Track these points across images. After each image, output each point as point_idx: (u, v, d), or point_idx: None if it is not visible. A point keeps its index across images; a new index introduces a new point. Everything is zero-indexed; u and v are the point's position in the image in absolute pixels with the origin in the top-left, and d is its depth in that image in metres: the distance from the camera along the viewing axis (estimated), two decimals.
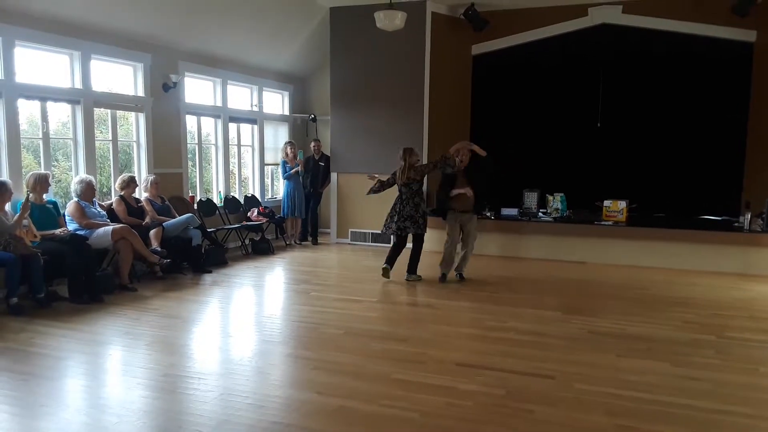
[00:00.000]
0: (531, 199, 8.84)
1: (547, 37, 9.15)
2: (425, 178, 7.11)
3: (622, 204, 8.23)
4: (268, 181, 10.44)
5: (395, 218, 6.86)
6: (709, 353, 4.45)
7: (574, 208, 8.79)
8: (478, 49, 9.58)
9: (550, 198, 8.76)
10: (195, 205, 8.27)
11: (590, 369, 4.08)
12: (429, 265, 7.25)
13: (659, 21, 8.52)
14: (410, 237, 7.02)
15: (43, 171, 6.17)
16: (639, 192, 8.78)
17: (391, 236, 7.24)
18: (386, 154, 8.22)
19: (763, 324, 5.27)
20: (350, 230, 9.63)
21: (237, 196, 9.34)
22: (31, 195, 5.83)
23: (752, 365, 4.22)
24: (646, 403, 3.51)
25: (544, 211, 8.81)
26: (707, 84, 8.66)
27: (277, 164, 10.18)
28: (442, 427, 3.21)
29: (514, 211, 8.74)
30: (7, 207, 5.62)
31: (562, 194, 8.73)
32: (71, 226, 6.18)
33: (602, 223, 8.20)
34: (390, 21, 7.17)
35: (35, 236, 5.70)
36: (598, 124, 9.07)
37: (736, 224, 7.90)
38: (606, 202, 8.32)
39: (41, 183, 5.93)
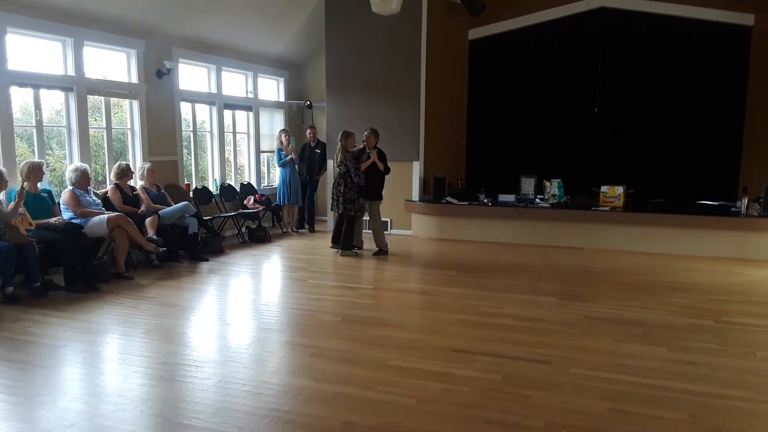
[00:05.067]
0: (528, 185, 8.83)
1: (544, 21, 9.11)
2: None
3: (620, 189, 8.22)
4: (264, 168, 10.40)
5: (340, 199, 7.46)
6: (706, 338, 4.46)
7: (572, 194, 8.78)
8: (474, 33, 9.53)
9: (548, 184, 8.75)
10: (191, 193, 8.24)
11: (587, 354, 4.09)
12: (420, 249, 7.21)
13: (657, 4, 8.48)
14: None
15: (36, 159, 6.12)
16: (636, 177, 8.78)
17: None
18: (383, 140, 8.17)
19: (761, 308, 5.29)
20: None
21: (233, 183, 9.30)
22: (25, 184, 5.79)
23: (749, 349, 4.23)
24: (642, 388, 3.51)
25: (542, 197, 8.80)
26: (705, 68, 8.64)
27: (273, 151, 10.15)
28: (438, 412, 3.21)
29: (511, 197, 8.73)
30: (2, 196, 5.60)
31: (559, 180, 8.71)
32: (66, 215, 6.15)
33: (599, 208, 8.20)
34: (386, 5, 7.08)
35: (30, 225, 5.68)
36: (596, 110, 9.05)
37: (733, 209, 7.91)
38: (603, 188, 8.30)
39: (35, 172, 5.89)
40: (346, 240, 7.63)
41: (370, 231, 7.85)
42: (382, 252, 7.68)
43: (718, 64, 8.57)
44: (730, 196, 8.37)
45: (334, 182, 7.60)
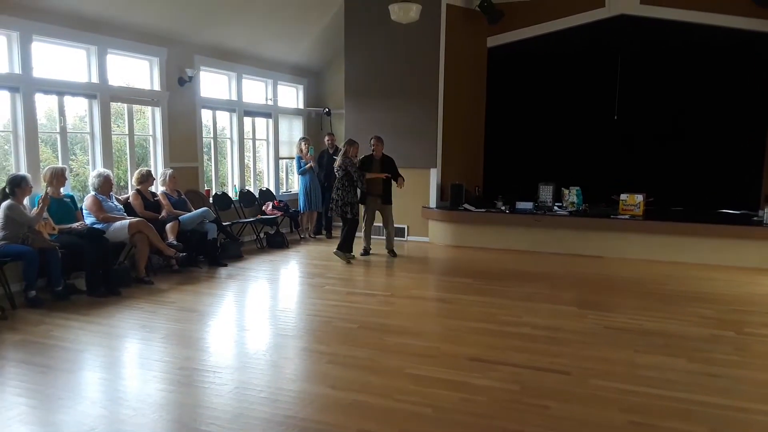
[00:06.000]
0: (546, 192, 8.77)
1: (563, 29, 9.05)
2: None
3: (639, 198, 8.14)
4: (282, 174, 10.47)
5: (338, 203, 7.61)
6: (727, 349, 4.39)
7: (591, 202, 8.71)
8: (493, 41, 9.51)
9: (566, 191, 8.69)
10: (210, 198, 8.32)
11: (606, 365, 4.04)
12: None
13: (678, 11, 8.39)
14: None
15: (59, 165, 6.23)
16: (656, 185, 8.68)
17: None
18: (401, 147, 8.20)
19: None
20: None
21: (252, 189, 9.37)
22: (48, 189, 5.89)
23: None
24: (662, 400, 3.47)
25: (560, 204, 8.74)
26: (726, 75, 8.53)
27: (292, 158, 10.22)
28: (455, 422, 3.20)
29: (529, 205, 8.68)
30: (26, 201, 5.70)
31: (578, 188, 8.65)
32: (88, 220, 6.24)
33: (619, 217, 8.11)
34: (404, 14, 7.14)
35: (53, 229, 5.78)
36: (615, 117, 8.97)
37: (755, 218, 7.79)
38: (623, 196, 8.23)
39: (58, 177, 5.99)
40: (343, 242, 7.68)
41: (383, 236, 8.22)
42: (392, 254, 7.98)
43: (740, 71, 8.45)
44: (752, 204, 8.25)
45: (333, 187, 7.70)
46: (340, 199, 7.53)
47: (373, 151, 7.84)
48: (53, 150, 6.72)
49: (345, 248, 7.68)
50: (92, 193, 6.36)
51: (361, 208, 8.01)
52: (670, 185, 8.83)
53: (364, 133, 9.08)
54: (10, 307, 5.29)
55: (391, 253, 8.01)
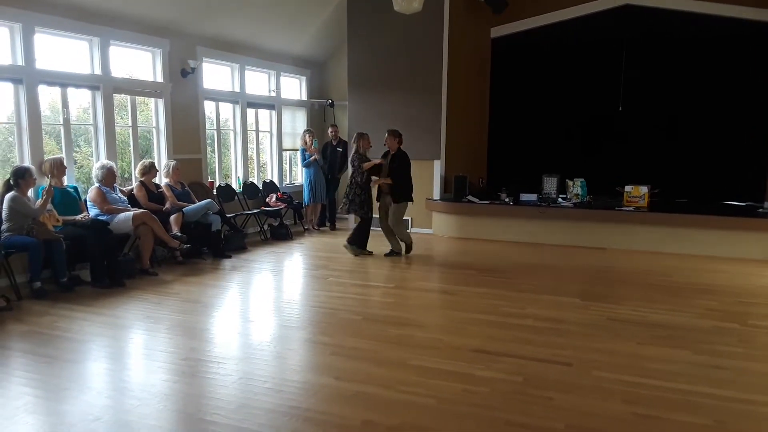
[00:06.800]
0: (550, 184, 8.75)
1: (567, 19, 9.01)
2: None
3: (644, 189, 8.11)
4: (286, 166, 10.46)
5: (344, 200, 7.53)
6: (732, 341, 4.38)
7: (595, 194, 8.69)
8: (497, 31, 9.47)
9: (570, 183, 8.67)
10: (214, 190, 8.33)
11: (609, 356, 4.04)
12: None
13: (684, 1, 8.34)
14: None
15: (58, 155, 6.23)
16: (661, 177, 8.65)
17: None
18: (404, 138, 8.17)
19: None
20: None
21: (255, 181, 9.37)
22: (52, 180, 5.90)
23: None
24: (666, 392, 3.47)
25: (564, 196, 8.72)
26: (732, 66, 8.48)
27: (296, 150, 10.21)
28: (458, 413, 3.21)
29: (533, 197, 8.66)
30: (30, 193, 5.71)
31: (582, 179, 8.63)
32: (93, 212, 6.26)
33: (623, 208, 8.09)
34: (408, 4, 7.08)
35: (57, 221, 5.79)
36: (620, 108, 8.93)
37: (760, 210, 7.75)
38: (627, 188, 8.20)
39: (57, 167, 6.01)
40: (353, 235, 7.59)
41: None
42: (393, 253, 7.58)
43: (745, 62, 8.40)
44: (757, 196, 8.22)
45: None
46: (346, 195, 7.45)
47: (386, 145, 7.48)
48: (57, 142, 6.73)
49: (355, 242, 7.51)
50: (96, 184, 6.37)
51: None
52: (675, 176, 8.80)
53: (368, 124, 9.07)
54: (15, 298, 5.32)
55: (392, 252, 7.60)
